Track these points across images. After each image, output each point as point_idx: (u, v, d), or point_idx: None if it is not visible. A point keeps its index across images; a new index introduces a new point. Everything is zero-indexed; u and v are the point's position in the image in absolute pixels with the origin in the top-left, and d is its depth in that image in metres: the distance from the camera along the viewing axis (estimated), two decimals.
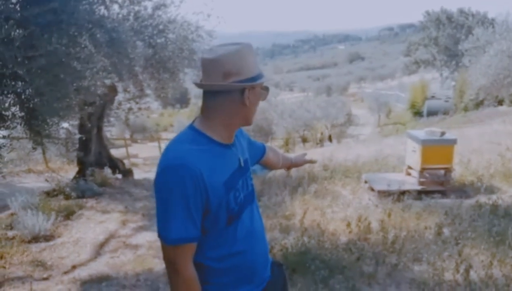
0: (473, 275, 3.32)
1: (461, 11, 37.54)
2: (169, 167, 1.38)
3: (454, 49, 37.33)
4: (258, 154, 1.94)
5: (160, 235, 1.40)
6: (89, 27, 3.99)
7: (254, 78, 1.47)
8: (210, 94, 1.48)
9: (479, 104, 25.79)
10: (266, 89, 1.56)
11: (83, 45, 3.99)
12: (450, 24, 37.95)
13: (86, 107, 5.34)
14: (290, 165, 2.21)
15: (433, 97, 32.59)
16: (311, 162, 2.33)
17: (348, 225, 4.79)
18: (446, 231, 4.42)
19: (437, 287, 3.24)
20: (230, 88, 1.44)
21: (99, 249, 5.17)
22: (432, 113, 29.82)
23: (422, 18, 41.28)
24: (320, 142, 25.14)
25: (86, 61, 4.06)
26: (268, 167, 2.10)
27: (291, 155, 2.22)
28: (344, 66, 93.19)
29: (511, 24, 10.66)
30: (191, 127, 1.51)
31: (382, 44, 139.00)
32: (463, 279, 3.29)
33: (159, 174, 1.40)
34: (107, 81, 7.11)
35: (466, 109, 27.37)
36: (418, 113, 32.07)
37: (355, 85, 60.29)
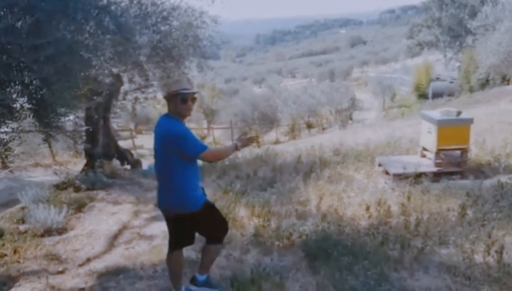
0: (505, 256, 3.21)
1: None
2: None
3: (458, 30, 36.76)
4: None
5: None
6: (95, 13, 3.84)
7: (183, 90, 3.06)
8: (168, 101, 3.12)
9: (485, 84, 25.47)
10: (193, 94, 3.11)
11: (90, 32, 3.84)
12: (453, 4, 37.23)
13: (94, 97, 5.21)
14: (235, 148, 3.19)
15: (437, 79, 32.17)
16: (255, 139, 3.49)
17: (367, 209, 4.68)
18: (469, 213, 4.30)
19: (468, 270, 3.13)
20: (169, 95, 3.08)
21: (113, 240, 5.09)
22: (437, 95, 29.42)
23: None
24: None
25: (94, 49, 3.92)
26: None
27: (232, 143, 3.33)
28: (346, 50, 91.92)
29: None
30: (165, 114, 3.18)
31: (383, 27, 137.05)
32: (495, 261, 3.17)
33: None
34: (114, 70, 6.96)
35: (471, 90, 27.03)
36: (422, 96, 31.70)
37: (358, 70, 59.59)
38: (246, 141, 3.26)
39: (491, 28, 10.75)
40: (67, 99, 3.92)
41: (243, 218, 5.09)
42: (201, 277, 3.44)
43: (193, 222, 3.19)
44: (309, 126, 26.97)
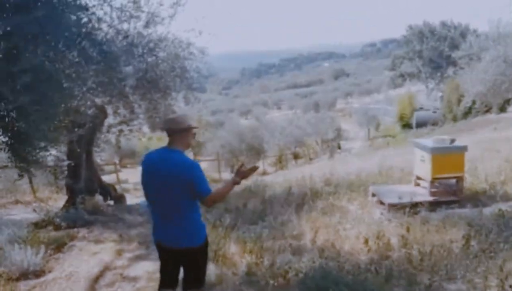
0: None
1: (443, 24, 38.15)
2: None
3: (438, 61, 37.81)
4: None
5: None
6: (78, 41, 3.64)
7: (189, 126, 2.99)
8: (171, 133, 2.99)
9: (467, 113, 25.89)
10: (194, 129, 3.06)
11: (73, 60, 3.63)
12: (433, 37, 38.51)
13: (76, 129, 4.94)
14: (235, 182, 3.01)
15: (421, 108, 32.69)
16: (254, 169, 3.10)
17: (366, 242, 4.44)
18: (474, 244, 4.08)
19: None
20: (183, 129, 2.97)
21: (94, 283, 4.71)
22: (420, 124, 29.85)
23: (404, 32, 41.92)
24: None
25: (77, 78, 3.69)
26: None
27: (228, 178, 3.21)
28: (330, 83, 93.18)
29: (503, 31, 10.61)
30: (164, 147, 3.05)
31: (366, 60, 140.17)
32: None
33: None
34: (98, 101, 6.71)
35: (455, 119, 27.41)
36: (407, 125, 32.09)
37: (342, 101, 60.41)
38: (247, 172, 3.04)
39: (476, 57, 10.90)
40: (45, 131, 3.66)
41: (234, 254, 4.79)
42: None
43: (197, 257, 3.06)
44: (296, 157, 26.90)
